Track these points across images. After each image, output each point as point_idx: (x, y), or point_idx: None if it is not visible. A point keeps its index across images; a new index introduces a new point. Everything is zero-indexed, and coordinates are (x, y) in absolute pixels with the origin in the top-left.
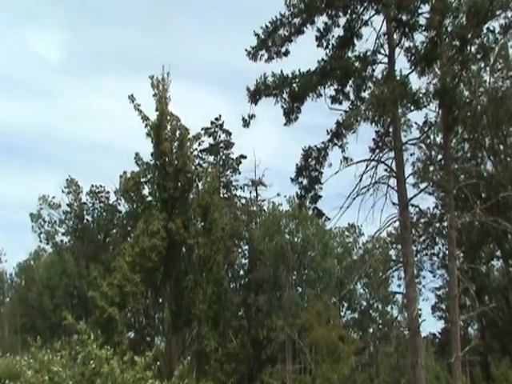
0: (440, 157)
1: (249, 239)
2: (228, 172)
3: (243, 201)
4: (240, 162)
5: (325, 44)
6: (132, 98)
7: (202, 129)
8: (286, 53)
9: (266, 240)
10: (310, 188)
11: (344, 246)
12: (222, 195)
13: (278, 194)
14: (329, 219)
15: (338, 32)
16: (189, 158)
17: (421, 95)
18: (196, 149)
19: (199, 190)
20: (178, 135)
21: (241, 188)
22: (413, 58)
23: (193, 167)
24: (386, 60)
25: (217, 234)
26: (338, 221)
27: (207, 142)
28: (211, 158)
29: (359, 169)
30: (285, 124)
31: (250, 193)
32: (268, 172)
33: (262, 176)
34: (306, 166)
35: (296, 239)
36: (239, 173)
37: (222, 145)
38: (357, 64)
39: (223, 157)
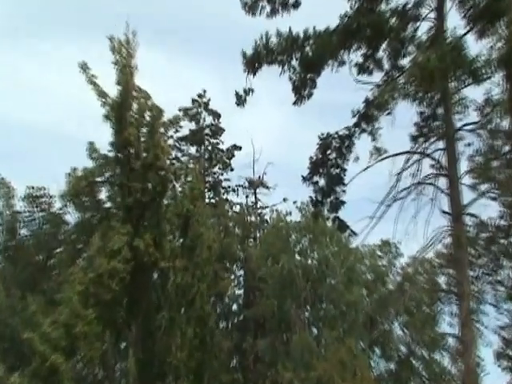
0: (507, 148)
1: (245, 261)
2: (216, 169)
3: (237, 208)
4: (232, 155)
5: None
6: (84, 67)
7: (180, 110)
8: (296, 4)
9: (268, 262)
10: (328, 191)
11: (375, 270)
12: (208, 200)
13: (285, 200)
14: (355, 234)
15: None
16: (163, 149)
17: (480, 64)
18: (172, 137)
19: (177, 193)
20: (147, 118)
21: (234, 191)
22: (469, 14)
23: (168, 162)
24: (432, 15)
25: (201, 254)
26: (367, 236)
27: (188, 127)
28: (193, 150)
29: (396, 164)
30: (294, 103)
31: (247, 197)
32: (271, 169)
33: (262, 174)
34: (324, 160)
35: (310, 261)
36: (231, 170)
37: (207, 131)
38: (393, 20)
39: (210, 148)
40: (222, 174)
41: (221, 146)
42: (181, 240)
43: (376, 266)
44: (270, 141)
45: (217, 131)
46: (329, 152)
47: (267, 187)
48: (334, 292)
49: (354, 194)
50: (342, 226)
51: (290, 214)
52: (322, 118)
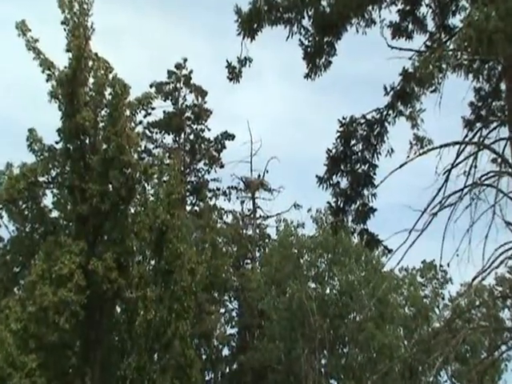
0: None
1: (240, 290)
2: (201, 165)
3: (229, 218)
4: (223, 147)
5: None
6: (22, 28)
7: (151, 85)
8: None
9: (272, 291)
10: (353, 195)
11: (416, 303)
12: (190, 208)
13: (296, 206)
14: (389, 253)
15: None
16: (129, 138)
17: None
18: (142, 122)
19: (147, 198)
20: (108, 97)
21: (225, 195)
22: None
23: (136, 156)
24: None
25: (181, 281)
26: (404, 256)
27: (163, 109)
28: (169, 139)
29: (444, 159)
30: (306, 76)
31: (243, 204)
32: (275, 165)
33: (263, 172)
34: (347, 153)
35: (328, 290)
36: (221, 166)
37: (189, 114)
38: None
39: (192, 137)
40: (209, 172)
41: (207, 135)
42: (153, 262)
43: (417, 296)
44: (274, 128)
45: (201, 114)
46: (353, 143)
47: (270, 190)
48: (360, 332)
49: (388, 199)
50: (372, 241)
51: (303, 226)
52: (344, 96)
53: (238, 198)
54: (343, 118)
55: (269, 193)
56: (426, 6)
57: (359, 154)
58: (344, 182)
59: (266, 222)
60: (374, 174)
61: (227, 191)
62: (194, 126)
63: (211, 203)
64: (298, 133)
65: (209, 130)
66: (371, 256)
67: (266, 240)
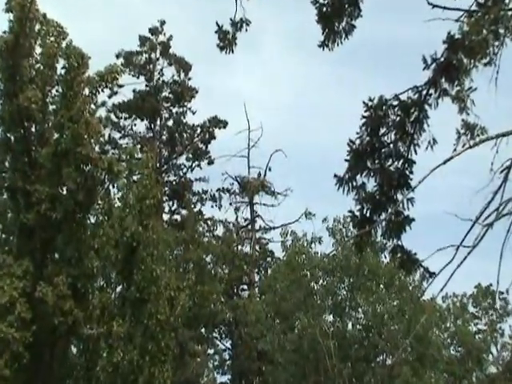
0: None
1: (234, 325)
2: (183, 160)
3: (220, 231)
4: (212, 137)
5: None
6: None
7: (118, 56)
8: None
9: (276, 326)
10: (383, 200)
11: (466, 341)
12: (168, 217)
13: (308, 215)
14: (430, 276)
15: None
16: (88, 125)
17: None
18: (105, 104)
19: (112, 204)
20: (61, 71)
21: (214, 199)
22: None
23: (97, 148)
24: None
25: (156, 313)
26: (450, 280)
27: (133, 86)
28: (141, 126)
29: (502, 153)
30: (322, 45)
31: (238, 211)
32: (280, 160)
33: (265, 170)
34: (374, 145)
35: (351, 325)
36: (210, 162)
37: (167, 93)
38: None
39: (171, 123)
40: (193, 170)
41: (191, 120)
42: (120, 287)
43: (467, 333)
44: (278, 112)
45: (183, 94)
46: (383, 131)
47: (273, 193)
48: (392, 380)
49: (427, 206)
50: (408, 262)
51: (317, 241)
52: (371, 70)
53: (231, 203)
54: (370, 100)
55: (272, 197)
56: None
57: (391, 146)
58: (371, 184)
59: (269, 236)
60: (411, 172)
61: (217, 195)
62: (174, 110)
63: (196, 210)
64: (309, 119)
65: (193, 113)
66: (407, 280)
67: (269, 259)
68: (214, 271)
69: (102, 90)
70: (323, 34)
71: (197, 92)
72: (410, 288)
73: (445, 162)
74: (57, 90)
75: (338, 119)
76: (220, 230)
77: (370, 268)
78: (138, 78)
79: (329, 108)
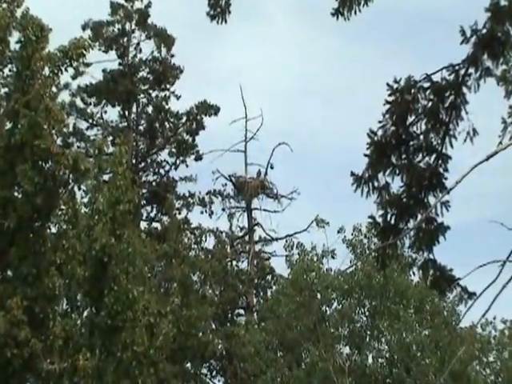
0: None
1: (228, 360)
2: (164, 155)
3: (210, 243)
4: (200, 127)
5: None
6: None
7: (84, 27)
8: None
9: (278, 360)
10: (411, 203)
11: None
12: (145, 225)
13: (320, 223)
14: (469, 296)
15: None
16: (48, 112)
17: None
18: (68, 86)
19: (77, 210)
20: (15, 46)
21: (203, 204)
22: None
23: (59, 141)
24: None
25: (131, 343)
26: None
27: (103, 65)
28: (114, 114)
29: None
30: (335, 13)
31: (232, 218)
32: (284, 156)
33: (265, 169)
34: (401, 137)
35: (370, 358)
36: (198, 158)
37: (145, 73)
38: None
39: (150, 110)
40: (177, 167)
41: (174, 107)
42: (88, 312)
43: None
44: (281, 97)
45: (165, 74)
46: (411, 120)
47: (276, 196)
48: None
49: (464, 211)
50: (443, 280)
51: (333, 255)
52: (396, 45)
53: (224, 209)
54: (395, 81)
55: (274, 201)
56: None
57: (421, 137)
58: (397, 184)
59: (270, 249)
60: (446, 169)
61: (207, 198)
62: (154, 93)
63: (181, 218)
64: (320, 106)
65: (177, 98)
66: (440, 303)
67: (269, 277)
68: (203, 292)
69: (66, 70)
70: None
71: (181, 72)
72: (445, 313)
73: (488, 158)
74: (10, 70)
75: (356, 105)
76: (210, 242)
77: (396, 288)
78: (108, 53)
79: (344, 92)
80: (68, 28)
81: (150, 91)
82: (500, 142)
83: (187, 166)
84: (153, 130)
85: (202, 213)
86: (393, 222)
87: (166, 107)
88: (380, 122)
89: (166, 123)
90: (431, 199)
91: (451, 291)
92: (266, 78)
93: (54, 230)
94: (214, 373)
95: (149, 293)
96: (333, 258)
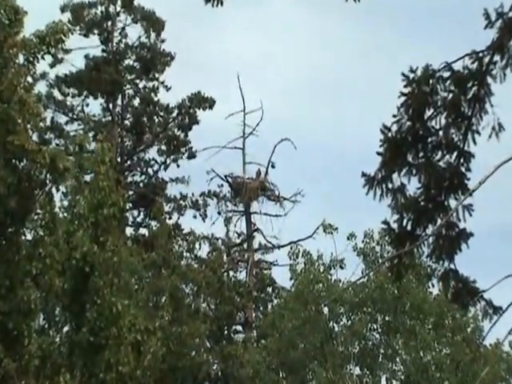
0: None
1: (224, 382)
2: (153, 153)
3: (204, 251)
4: (193, 121)
5: None
6: None
7: (63, 9)
8: None
9: (281, 382)
10: (430, 207)
11: None
12: (131, 231)
13: (328, 229)
14: (494, 311)
15: None
16: (23, 105)
17: None
18: (45, 76)
19: (55, 214)
20: None
21: (197, 207)
22: None
23: (35, 137)
24: None
25: (116, 363)
26: None
27: (85, 51)
28: (96, 107)
29: None
30: None
31: (228, 223)
32: (288, 153)
33: (266, 168)
34: (418, 133)
35: (383, 379)
36: (191, 156)
37: (131, 61)
38: None
39: (136, 102)
40: (167, 167)
41: (164, 99)
42: (68, 328)
43: None
44: (284, 88)
45: (154, 62)
46: (430, 114)
47: (278, 199)
48: None
49: (489, 215)
50: (465, 292)
51: (342, 265)
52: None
53: (220, 213)
54: (411, 71)
55: (275, 204)
56: None
57: (440, 133)
58: (413, 185)
59: (271, 257)
60: (468, 169)
61: (201, 201)
62: (141, 84)
63: (172, 223)
64: (327, 98)
65: (167, 89)
66: (462, 319)
67: (270, 289)
68: (196, 306)
69: (43, 57)
70: None
71: (172, 59)
72: (468, 329)
73: None
74: None
75: (368, 98)
76: (204, 250)
77: (412, 301)
78: (89, 38)
79: (355, 83)
80: (45, 11)
81: (137, 81)
82: None
83: (178, 165)
84: (140, 125)
85: (194, 217)
86: (409, 227)
87: (155, 99)
88: (394, 116)
89: (155, 117)
90: (452, 202)
91: (474, 305)
92: (266, 67)
93: (29, 236)
94: None
95: (135, 307)
96: (342, 267)
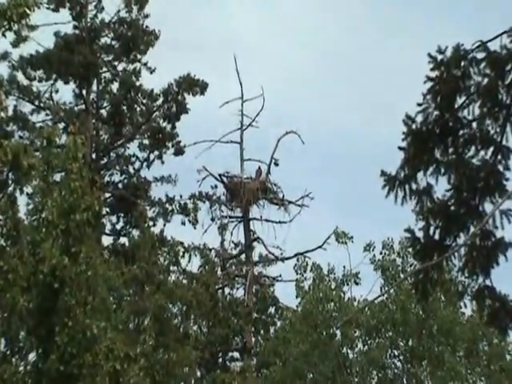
0: None
1: None
2: (134, 147)
3: (194, 264)
4: (182, 110)
5: None
6: None
7: None
8: None
9: None
10: (462, 213)
11: None
12: (109, 240)
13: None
14: None
15: None
16: None
17: None
18: (7, 56)
19: (19, 220)
20: None
21: (185, 212)
22: None
23: None
24: None
25: None
26: None
27: (52, 28)
28: (67, 93)
29: None
30: None
31: (223, 232)
32: (292, 148)
33: (268, 166)
34: (447, 124)
35: None
36: (178, 151)
37: (108, 40)
38: None
39: (115, 88)
40: (150, 164)
41: (147, 83)
42: (33, 355)
43: None
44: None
45: (135, 41)
46: (461, 102)
47: (281, 203)
48: None
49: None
50: (503, 312)
51: (357, 280)
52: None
53: (213, 219)
54: (439, 51)
55: (279, 208)
56: None
57: (473, 125)
58: (442, 186)
59: (274, 271)
60: (507, 167)
61: (191, 205)
62: (120, 66)
63: (156, 231)
64: (339, 84)
65: (151, 72)
66: (500, 345)
67: (272, 309)
68: (185, 329)
69: (3, 35)
70: None
71: (157, 38)
72: (506, 356)
73: None
74: None
75: (387, 84)
76: (195, 263)
77: (441, 324)
78: (58, 12)
79: (372, 67)
80: None
81: (116, 63)
82: None
83: (163, 161)
84: (119, 115)
85: (183, 224)
86: (437, 236)
87: (137, 84)
88: (419, 104)
89: (137, 105)
90: (487, 206)
91: None
92: (267, 47)
93: None
94: None
95: (114, 330)
96: (357, 283)
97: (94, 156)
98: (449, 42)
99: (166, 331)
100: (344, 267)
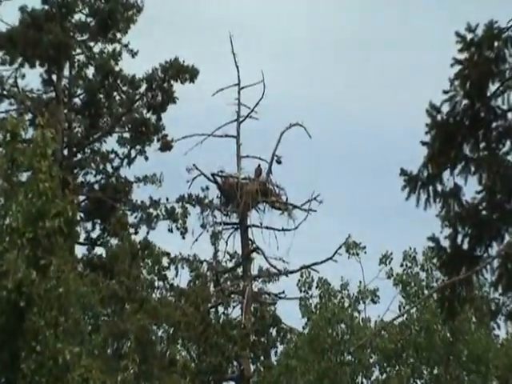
0: None
1: None
2: (112, 143)
3: (184, 278)
4: (168, 99)
5: None
6: None
7: None
8: None
9: None
10: (493, 219)
11: None
12: (83, 250)
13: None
14: None
15: None
16: None
17: None
18: None
19: None
20: None
21: (173, 218)
22: None
23: None
24: None
25: None
26: None
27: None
28: (35, 80)
29: None
30: None
31: (216, 241)
32: (297, 144)
33: (269, 164)
34: (478, 115)
35: None
36: (165, 147)
37: (83, 16)
38: None
39: (91, 73)
40: (132, 162)
41: (128, 68)
42: None
43: None
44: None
45: (114, 18)
46: (494, 88)
47: (285, 207)
48: None
49: None
50: None
51: (373, 297)
52: None
53: (205, 225)
54: (469, 29)
55: (282, 214)
56: None
57: (509, 116)
58: (471, 187)
59: (276, 287)
60: None
61: (179, 209)
62: (96, 47)
63: (138, 239)
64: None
65: (133, 55)
66: None
67: (274, 331)
68: (172, 355)
69: None
70: None
71: (139, 12)
72: None
73: None
74: None
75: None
76: (184, 277)
77: (471, 348)
78: None
79: (387, 52)
80: None
81: (91, 44)
82: None
83: (147, 158)
84: (95, 105)
85: (170, 231)
86: (466, 246)
87: (116, 69)
88: (446, 92)
89: (116, 93)
90: None
91: None
92: (267, 26)
93: None
94: None
95: (89, 356)
96: (374, 301)
97: (65, 152)
98: (480, 20)
99: (149, 357)
100: (359, 282)
